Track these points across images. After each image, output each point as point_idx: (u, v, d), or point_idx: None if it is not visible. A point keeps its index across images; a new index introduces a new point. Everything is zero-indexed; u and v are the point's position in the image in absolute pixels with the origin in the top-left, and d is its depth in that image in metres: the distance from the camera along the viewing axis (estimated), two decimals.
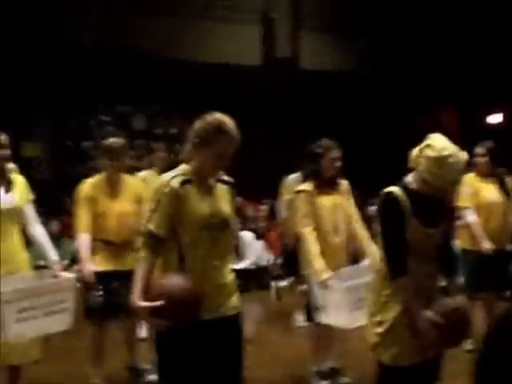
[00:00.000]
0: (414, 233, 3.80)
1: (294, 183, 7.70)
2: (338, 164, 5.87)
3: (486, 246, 6.49)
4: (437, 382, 4.12)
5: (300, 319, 7.85)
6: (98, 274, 5.38)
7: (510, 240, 6.97)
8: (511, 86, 15.65)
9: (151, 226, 3.58)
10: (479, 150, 6.79)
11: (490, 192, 6.78)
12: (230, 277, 3.80)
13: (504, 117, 17.82)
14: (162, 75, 14.48)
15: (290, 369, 6.44)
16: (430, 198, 3.87)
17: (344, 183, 6.03)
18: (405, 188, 3.87)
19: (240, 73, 14.88)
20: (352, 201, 6.03)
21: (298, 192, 5.88)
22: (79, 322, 5.17)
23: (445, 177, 3.73)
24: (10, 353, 4.62)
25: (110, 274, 5.46)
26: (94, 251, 5.54)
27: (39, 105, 14.53)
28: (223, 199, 3.80)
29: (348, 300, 5.24)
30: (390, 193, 3.88)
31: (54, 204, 13.22)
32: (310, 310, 5.80)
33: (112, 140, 5.71)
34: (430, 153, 3.73)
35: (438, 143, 3.75)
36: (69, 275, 5.00)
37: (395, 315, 3.86)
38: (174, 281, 3.48)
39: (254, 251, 11.44)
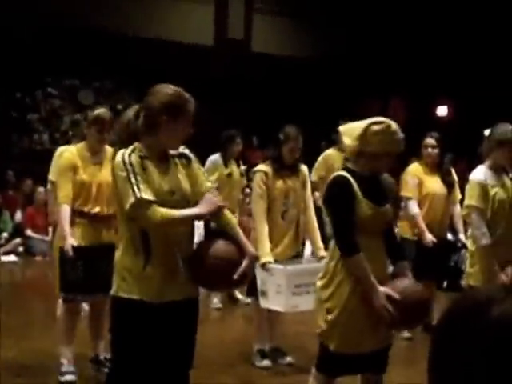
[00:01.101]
0: (366, 212, 3.88)
1: (215, 164, 7.96)
2: (298, 153, 5.93)
3: (428, 238, 6.58)
4: (381, 373, 4.16)
5: (215, 301, 7.95)
6: (78, 249, 5.15)
7: (450, 230, 7.08)
8: (458, 80, 15.90)
9: (146, 195, 3.44)
10: (430, 141, 6.85)
11: (434, 183, 6.84)
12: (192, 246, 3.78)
13: (449, 110, 18.08)
14: (112, 51, 14.36)
15: (234, 348, 6.48)
16: (375, 178, 4.03)
17: (303, 170, 6.08)
18: (351, 172, 3.97)
19: (191, 52, 14.82)
20: (308, 187, 6.08)
21: (256, 172, 5.92)
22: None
23: (398, 139, 3.94)
24: None
25: (89, 249, 5.23)
26: (72, 223, 5.26)
27: None
28: (181, 174, 3.71)
29: (288, 284, 5.32)
30: (340, 176, 3.99)
31: None
32: (252, 287, 5.82)
33: (102, 110, 5.50)
34: (376, 127, 3.90)
35: (378, 121, 3.95)
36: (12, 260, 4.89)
37: (345, 302, 3.88)
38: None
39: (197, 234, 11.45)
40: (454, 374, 1.19)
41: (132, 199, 3.44)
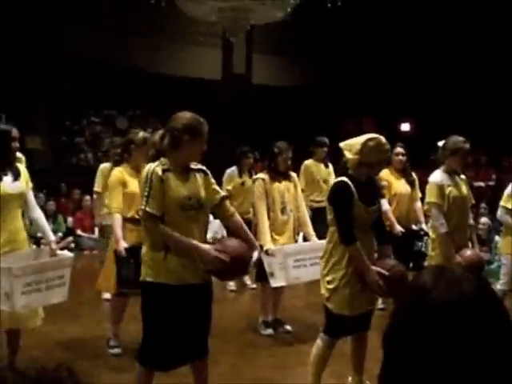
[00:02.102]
0: (360, 212, 4.00)
1: (231, 175, 8.00)
2: (289, 162, 5.98)
3: (397, 229, 6.58)
4: (367, 331, 4.32)
5: (230, 284, 7.90)
6: (129, 249, 4.99)
7: (414, 221, 7.06)
8: (417, 103, 15.90)
9: (150, 209, 3.51)
10: (400, 149, 6.87)
11: (401, 185, 6.86)
12: None
13: (410, 126, 18.07)
14: (140, 86, 14.37)
15: (244, 320, 6.47)
16: (368, 183, 4.10)
17: (293, 175, 6.15)
18: (351, 178, 4.05)
19: (204, 85, 14.83)
20: (299, 189, 6.15)
21: (256, 179, 5.95)
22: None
23: (387, 149, 4.09)
24: (15, 319, 4.39)
25: (137, 249, 5.13)
26: (125, 229, 5.13)
27: (42, 106, 14.30)
28: (199, 184, 3.72)
29: (288, 260, 5.42)
30: (342, 182, 4.08)
31: (52, 188, 13.07)
32: (260, 274, 5.86)
33: (147, 134, 5.29)
34: (372, 143, 4.01)
35: (371, 137, 4.06)
36: (67, 254, 4.82)
37: (341, 276, 4.04)
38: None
39: (212, 228, 11.41)
40: (401, 349, 1.18)
41: (141, 208, 3.55)
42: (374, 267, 3.97)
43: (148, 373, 3.75)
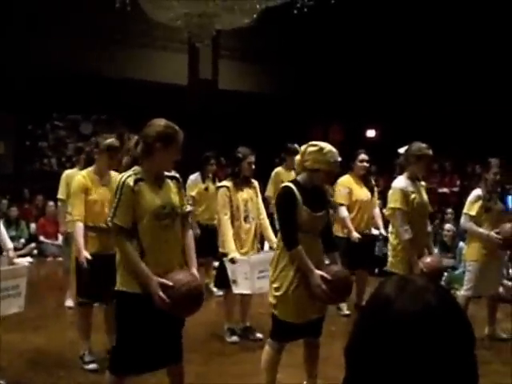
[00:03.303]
0: (304, 217, 3.98)
1: (194, 181, 8.02)
2: (253, 166, 5.99)
3: (355, 236, 6.65)
4: (318, 337, 4.33)
5: (215, 289, 7.85)
6: (90, 259, 4.92)
7: (373, 226, 7.13)
8: (382, 110, 16.07)
9: (117, 221, 3.50)
10: (364, 156, 6.95)
11: (361, 192, 6.93)
12: (180, 259, 3.78)
13: (376, 132, 18.25)
14: (106, 90, 14.27)
15: (209, 328, 6.45)
16: (315, 190, 4.11)
17: (255, 182, 6.14)
18: (296, 184, 4.05)
19: (170, 90, 14.78)
20: (260, 196, 6.16)
21: (220, 187, 5.96)
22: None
23: (328, 161, 4.02)
24: None
25: (98, 258, 4.91)
26: (86, 237, 5.05)
27: (5, 111, 14.11)
28: (172, 192, 3.72)
29: (253, 271, 5.44)
30: (286, 186, 4.12)
31: (15, 193, 12.89)
32: (222, 280, 5.86)
33: (113, 140, 5.18)
34: (312, 149, 4.06)
35: (313, 143, 4.10)
36: (22, 263, 4.73)
37: (288, 283, 4.04)
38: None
39: None
40: (364, 361, 1.19)
41: (109, 218, 3.55)
42: (318, 271, 3.98)
43: (119, 381, 3.74)
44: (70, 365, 5.23)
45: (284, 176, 8.03)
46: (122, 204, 3.49)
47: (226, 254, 5.74)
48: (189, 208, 3.95)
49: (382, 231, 7.00)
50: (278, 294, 4.07)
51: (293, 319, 4.05)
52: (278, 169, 8.19)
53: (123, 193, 3.50)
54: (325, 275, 3.97)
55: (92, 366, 5.16)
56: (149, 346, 3.61)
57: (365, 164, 6.94)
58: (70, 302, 7.04)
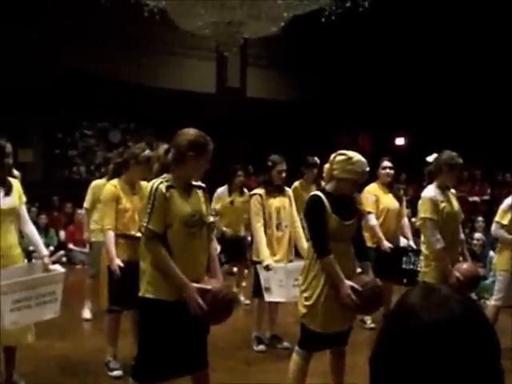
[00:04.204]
0: (334, 225, 3.99)
1: (220, 195, 8.00)
2: (283, 175, 5.97)
3: (385, 245, 6.58)
4: (344, 346, 4.31)
5: (242, 298, 7.85)
6: (122, 267, 4.95)
7: (402, 237, 7.06)
8: (412, 118, 15.98)
9: (152, 226, 3.53)
10: (387, 163, 6.89)
11: (389, 200, 6.87)
12: (205, 268, 3.79)
13: (405, 140, 18.15)
14: (134, 99, 14.40)
15: (236, 336, 6.44)
16: (343, 198, 4.09)
17: (288, 190, 6.14)
18: (325, 192, 4.03)
19: (198, 98, 14.86)
20: (294, 205, 6.12)
21: (253, 195, 5.97)
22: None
23: (356, 170, 4.00)
24: (7, 336, 4.32)
25: (129, 265, 4.87)
26: (117, 245, 5.07)
27: (35, 119, 14.31)
28: (200, 201, 3.76)
29: (288, 279, 5.42)
30: (315, 195, 4.12)
31: (44, 201, 13.05)
32: (257, 289, 5.87)
33: (150, 152, 5.17)
34: (340, 158, 4.05)
35: (342, 152, 4.07)
36: (59, 269, 4.78)
37: (318, 293, 4.02)
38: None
39: None
40: (388, 371, 1.18)
41: (143, 225, 3.56)
42: (348, 281, 3.96)
43: None
44: (96, 371, 5.27)
45: (303, 191, 7.74)
46: (155, 210, 3.52)
47: (259, 262, 5.74)
48: (212, 219, 3.98)
49: (411, 243, 6.88)
50: (307, 303, 4.07)
51: (321, 329, 4.04)
52: (297, 183, 8.05)
53: (156, 199, 3.53)
54: (355, 285, 3.95)
55: (117, 372, 5.19)
56: (174, 353, 3.62)
57: (387, 171, 6.86)
58: (87, 314, 7.09)
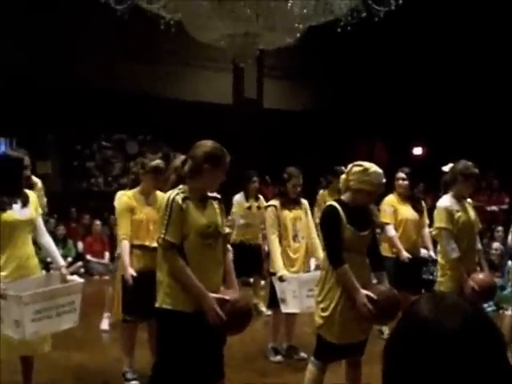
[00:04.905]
0: (349, 235, 3.97)
1: (239, 202, 8.02)
2: (299, 189, 6.00)
3: (404, 256, 6.56)
4: (360, 356, 4.31)
5: (264, 309, 7.83)
6: (136, 277, 4.99)
7: (421, 248, 7.03)
8: (429, 127, 15.93)
9: (169, 237, 3.55)
10: (401, 174, 6.87)
11: (407, 211, 6.84)
12: (221, 279, 3.82)
13: (422, 150, 18.08)
14: (152, 111, 14.49)
15: (254, 347, 6.46)
16: (359, 209, 4.10)
17: (304, 202, 6.14)
18: (341, 203, 4.02)
19: (215, 110, 14.92)
20: (310, 216, 6.15)
21: (268, 206, 6.00)
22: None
23: (372, 182, 4.03)
24: (24, 345, 4.42)
25: (144, 275, 4.88)
26: (131, 255, 5.12)
27: (53, 131, 14.47)
28: (216, 212, 3.79)
29: (302, 289, 5.42)
30: (331, 205, 4.15)
31: (62, 212, 13.15)
32: (273, 300, 5.89)
33: (159, 161, 5.28)
34: (357, 169, 4.07)
35: (358, 163, 4.10)
36: (77, 280, 4.84)
37: (335, 304, 4.03)
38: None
39: None
40: (400, 375, 1.20)
41: (160, 236, 3.56)
42: (364, 291, 3.97)
43: None
44: (113, 382, 5.31)
45: (327, 198, 7.86)
46: (172, 221, 3.54)
47: (275, 273, 5.76)
48: (227, 230, 4.01)
49: (432, 253, 6.84)
50: (324, 314, 4.08)
51: (337, 340, 4.05)
52: (324, 191, 8.07)
53: (173, 210, 3.55)
54: (370, 294, 3.96)
55: (134, 383, 5.23)
56: (191, 363, 3.65)
57: (400, 182, 6.84)
58: (105, 325, 7.13)
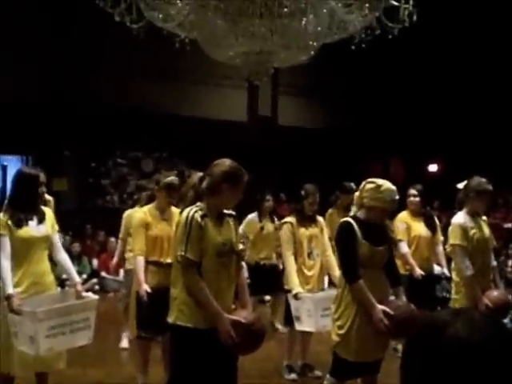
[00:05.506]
0: (365, 251, 3.97)
1: (251, 221, 7.90)
2: (315, 207, 6.02)
3: (418, 273, 6.54)
4: (376, 374, 4.31)
5: (280, 327, 7.78)
6: (151, 293, 5.05)
7: (436, 265, 6.99)
8: (444, 144, 15.90)
9: (189, 255, 3.56)
10: (412, 191, 6.86)
11: (420, 228, 6.82)
12: (233, 297, 3.84)
13: (438, 166, 18.05)
14: (166, 128, 14.57)
15: (268, 364, 6.43)
16: (374, 225, 4.12)
17: (320, 219, 6.14)
18: (356, 219, 4.04)
19: (229, 127, 14.99)
20: (326, 233, 6.12)
21: (284, 223, 5.99)
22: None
23: (385, 199, 4.06)
24: (39, 362, 4.46)
25: (158, 291, 4.91)
26: (146, 271, 5.17)
27: (69, 149, 14.59)
28: (231, 230, 3.81)
29: (317, 308, 5.39)
30: (346, 222, 4.17)
31: (77, 229, 13.23)
32: (289, 318, 5.87)
33: (173, 178, 5.35)
34: (370, 186, 4.10)
35: (371, 180, 4.13)
36: (92, 296, 4.87)
37: (351, 322, 4.04)
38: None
39: None
40: (418, 380, 1.21)
41: (180, 253, 3.56)
42: (380, 306, 3.96)
43: None
44: None
45: (338, 218, 7.73)
46: (192, 239, 3.56)
47: (290, 290, 5.75)
48: (241, 246, 4.02)
49: (445, 270, 6.81)
50: (340, 332, 4.08)
51: (354, 358, 4.05)
52: (332, 210, 8.00)
53: (193, 228, 3.56)
54: (387, 309, 3.96)
55: None
56: (204, 380, 3.66)
57: (412, 199, 6.82)
58: (125, 343, 7.14)
